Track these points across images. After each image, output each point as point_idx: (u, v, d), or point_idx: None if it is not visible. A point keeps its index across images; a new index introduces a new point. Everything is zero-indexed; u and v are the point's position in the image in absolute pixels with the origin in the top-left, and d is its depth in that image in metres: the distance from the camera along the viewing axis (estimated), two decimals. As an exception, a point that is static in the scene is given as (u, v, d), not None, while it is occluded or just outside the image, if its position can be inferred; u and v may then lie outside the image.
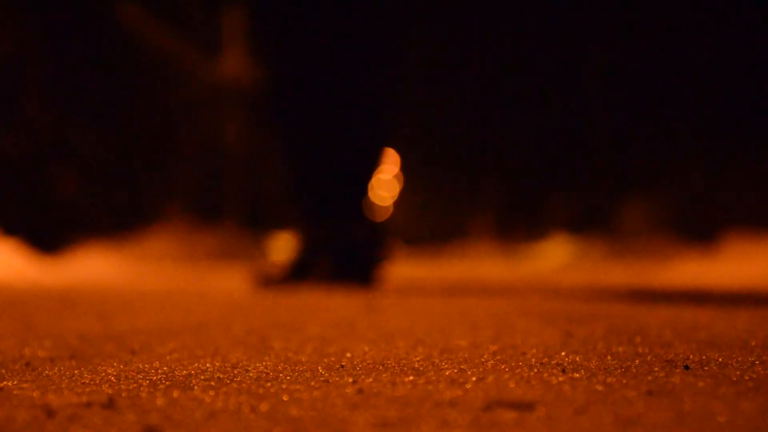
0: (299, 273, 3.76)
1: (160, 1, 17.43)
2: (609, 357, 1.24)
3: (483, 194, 16.70)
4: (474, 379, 1.04)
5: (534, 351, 1.31)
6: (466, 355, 1.28)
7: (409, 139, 9.92)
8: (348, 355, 1.31)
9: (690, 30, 16.57)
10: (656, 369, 1.12)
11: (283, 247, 4.14)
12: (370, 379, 1.05)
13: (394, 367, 1.17)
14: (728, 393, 0.94)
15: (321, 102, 3.88)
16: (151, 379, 1.09)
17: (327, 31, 3.86)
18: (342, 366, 1.19)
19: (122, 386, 1.04)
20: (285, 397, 0.94)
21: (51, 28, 17.18)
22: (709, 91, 16.09)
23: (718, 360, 1.20)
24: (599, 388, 0.98)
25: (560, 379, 1.04)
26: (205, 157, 23.75)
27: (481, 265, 10.89)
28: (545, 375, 1.07)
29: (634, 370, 1.11)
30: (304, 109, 3.89)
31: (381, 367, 1.17)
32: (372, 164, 3.95)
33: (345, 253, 3.77)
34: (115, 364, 1.24)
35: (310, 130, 3.88)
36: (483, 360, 1.23)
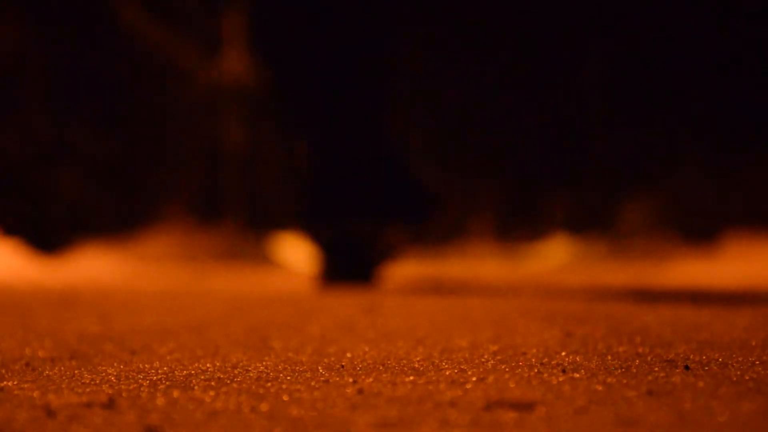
0: (332, 273, 3.76)
1: (160, 1, 17.46)
2: (609, 357, 1.24)
3: (483, 194, 16.72)
4: (474, 379, 1.04)
5: (534, 351, 1.31)
6: (467, 356, 1.28)
7: (409, 138, 9.92)
8: (348, 355, 1.31)
9: (690, 28, 16.56)
10: (656, 369, 1.11)
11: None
12: (371, 379, 1.05)
13: (394, 367, 1.17)
14: (728, 393, 0.94)
15: (336, 103, 3.87)
16: (151, 380, 1.08)
17: (336, 37, 3.85)
18: (342, 366, 1.19)
19: (122, 386, 1.03)
20: (285, 397, 0.94)
21: (52, 28, 17.21)
22: (710, 90, 16.11)
23: (718, 360, 1.20)
24: (599, 388, 0.97)
25: (560, 379, 1.04)
26: (204, 158, 23.76)
27: (481, 264, 10.90)
28: (545, 375, 1.07)
29: (635, 370, 1.10)
30: (325, 111, 3.89)
31: (381, 367, 1.16)
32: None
33: (350, 252, 3.77)
34: (115, 365, 1.24)
35: (328, 132, 3.88)
36: (483, 360, 1.22)
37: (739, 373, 1.08)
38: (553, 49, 14.50)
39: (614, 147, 20.51)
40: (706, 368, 1.12)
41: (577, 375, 1.06)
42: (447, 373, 1.09)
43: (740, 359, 1.21)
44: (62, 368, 1.21)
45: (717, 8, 13.86)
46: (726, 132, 16.66)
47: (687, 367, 1.13)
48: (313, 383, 1.03)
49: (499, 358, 1.24)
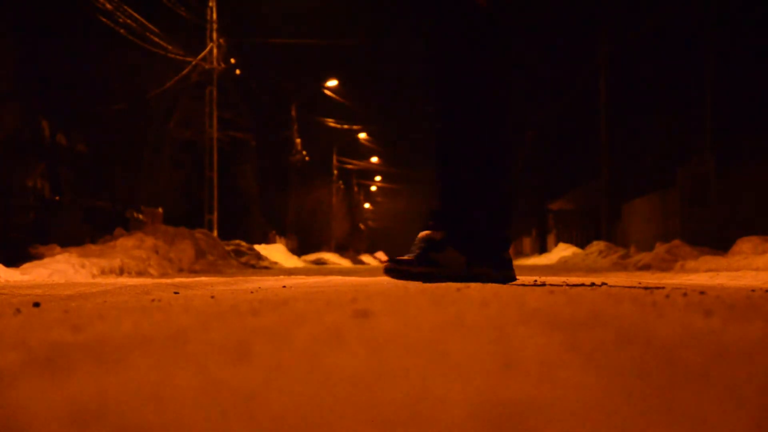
0: None
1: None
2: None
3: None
4: (472, 386, 1.03)
5: (535, 361, 1.29)
6: (462, 361, 1.26)
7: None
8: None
9: (700, 32, 16.66)
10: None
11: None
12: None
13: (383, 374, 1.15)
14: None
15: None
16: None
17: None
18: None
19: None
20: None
21: (34, 32, 17.24)
22: (721, 97, 16.26)
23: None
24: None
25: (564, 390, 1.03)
26: (182, 164, 23.78)
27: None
28: (547, 387, 1.06)
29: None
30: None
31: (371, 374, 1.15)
32: None
33: None
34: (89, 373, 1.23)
35: None
36: (481, 365, 1.21)
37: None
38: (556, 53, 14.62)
39: (626, 152, 20.58)
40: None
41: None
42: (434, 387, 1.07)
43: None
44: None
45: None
46: (739, 136, 16.74)
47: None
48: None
49: (495, 367, 1.22)
